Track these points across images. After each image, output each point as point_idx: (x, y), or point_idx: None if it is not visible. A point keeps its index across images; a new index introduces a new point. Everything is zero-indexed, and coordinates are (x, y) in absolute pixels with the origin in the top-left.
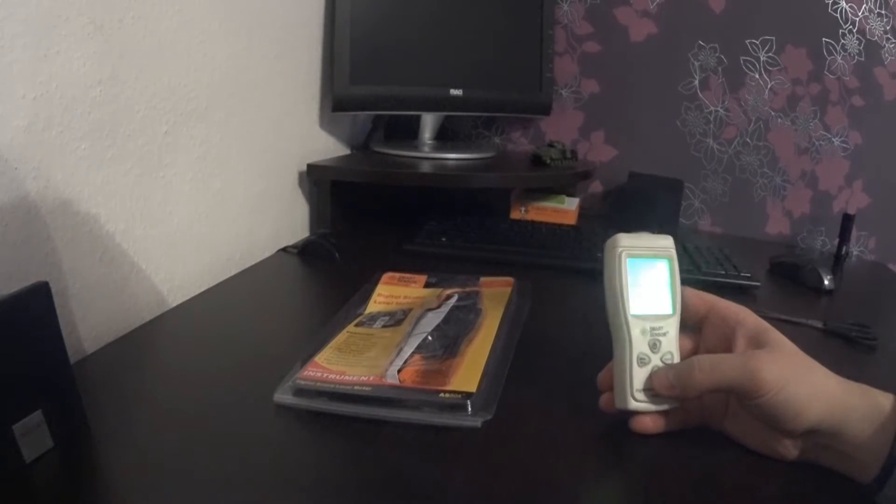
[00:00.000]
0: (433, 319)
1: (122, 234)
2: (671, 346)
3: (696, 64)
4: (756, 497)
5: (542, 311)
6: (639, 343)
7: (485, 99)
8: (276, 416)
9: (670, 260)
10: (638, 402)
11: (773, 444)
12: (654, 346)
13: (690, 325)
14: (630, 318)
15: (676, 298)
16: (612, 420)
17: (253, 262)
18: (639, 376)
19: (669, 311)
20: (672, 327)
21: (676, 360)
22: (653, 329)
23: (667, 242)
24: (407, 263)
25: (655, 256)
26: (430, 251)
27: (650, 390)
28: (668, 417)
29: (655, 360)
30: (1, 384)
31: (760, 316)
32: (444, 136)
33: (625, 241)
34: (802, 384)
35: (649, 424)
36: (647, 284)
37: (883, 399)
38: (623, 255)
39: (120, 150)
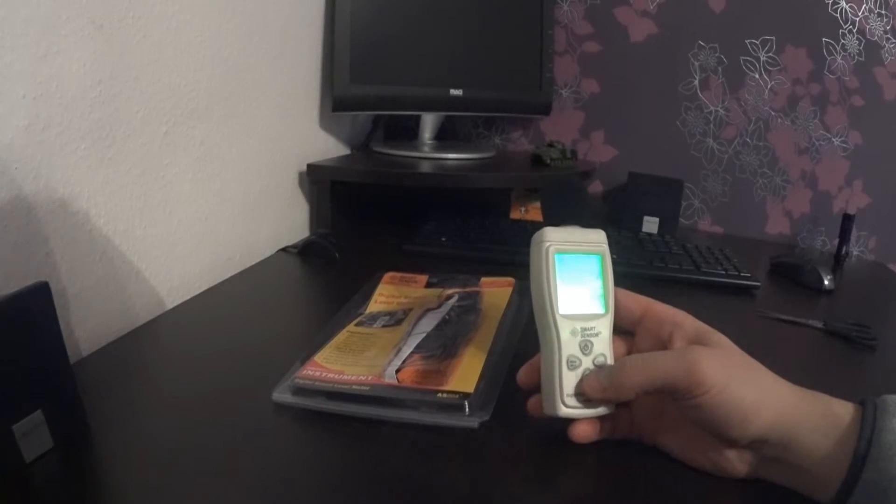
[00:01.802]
0: (432, 319)
1: (121, 235)
2: (604, 347)
3: (696, 64)
4: None
5: None
6: (569, 345)
7: (485, 99)
8: (275, 414)
9: (602, 255)
10: (569, 408)
11: (716, 458)
12: (585, 348)
13: (624, 328)
14: (559, 318)
15: (609, 297)
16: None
17: (253, 262)
18: (569, 380)
19: (601, 310)
20: (605, 328)
21: (609, 362)
22: (584, 329)
23: (598, 237)
24: (407, 263)
25: (586, 252)
26: (430, 251)
27: (581, 395)
28: (600, 424)
29: (587, 363)
30: (1, 384)
31: (760, 316)
32: (444, 136)
33: (552, 234)
34: (748, 386)
35: (589, 431)
36: (578, 282)
37: (839, 408)
38: (550, 249)
39: (120, 150)
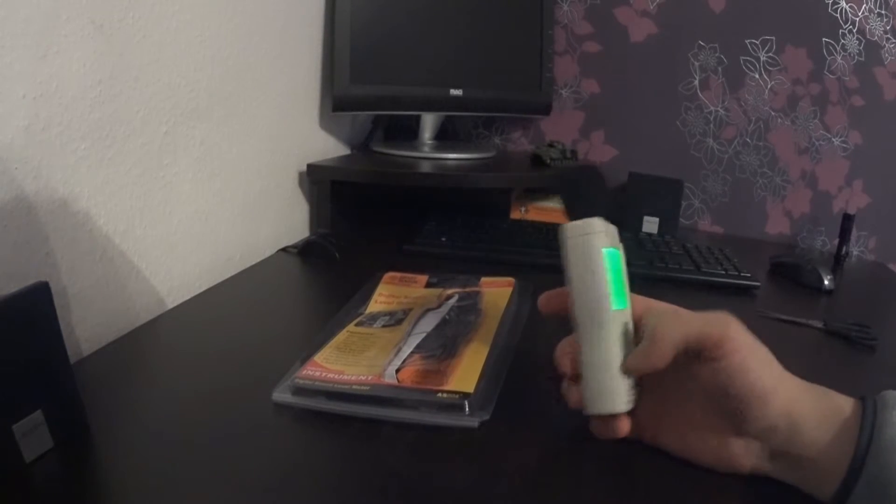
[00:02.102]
0: (432, 319)
1: (121, 234)
2: (632, 339)
3: (696, 64)
4: None
5: None
6: (621, 340)
7: (485, 99)
8: (275, 415)
9: (621, 249)
10: (627, 402)
11: (721, 451)
12: (629, 343)
13: None
14: (613, 315)
15: (628, 291)
16: None
17: (253, 262)
18: (626, 376)
19: (626, 304)
20: (630, 321)
21: None
22: (625, 324)
23: (615, 231)
24: (407, 264)
25: (614, 245)
26: (430, 251)
27: (631, 388)
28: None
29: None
30: (1, 384)
31: (760, 316)
32: (444, 136)
33: (600, 226)
34: (765, 370)
35: (629, 424)
36: (617, 277)
37: (841, 401)
38: (600, 242)
39: (120, 149)
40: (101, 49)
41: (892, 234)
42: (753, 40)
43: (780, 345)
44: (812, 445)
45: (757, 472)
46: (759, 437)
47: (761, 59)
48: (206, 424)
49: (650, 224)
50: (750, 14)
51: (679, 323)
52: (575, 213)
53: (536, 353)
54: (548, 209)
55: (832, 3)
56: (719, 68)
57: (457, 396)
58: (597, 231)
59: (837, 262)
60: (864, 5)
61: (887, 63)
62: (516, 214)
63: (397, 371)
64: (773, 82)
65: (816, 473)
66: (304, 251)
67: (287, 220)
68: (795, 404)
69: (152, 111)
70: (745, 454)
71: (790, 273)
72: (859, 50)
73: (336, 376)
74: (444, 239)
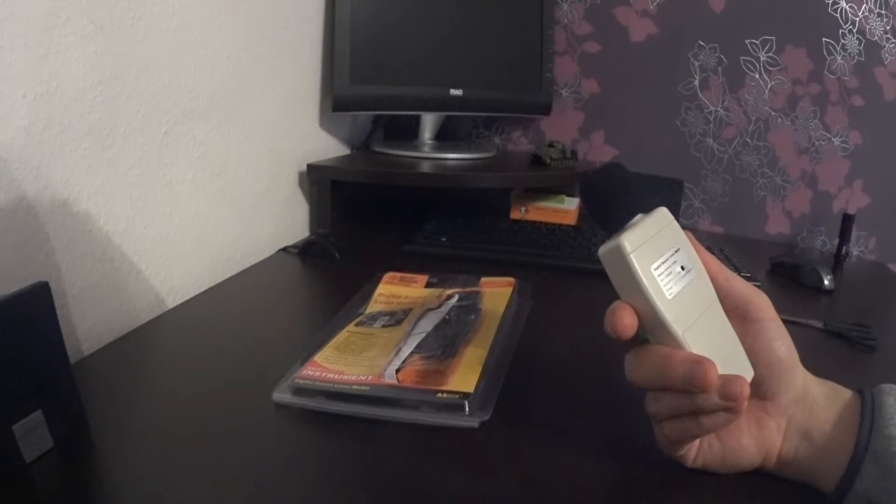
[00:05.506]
0: (433, 319)
1: (121, 235)
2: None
3: (696, 64)
4: None
5: (542, 311)
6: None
7: (485, 99)
8: (275, 415)
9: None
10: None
11: (759, 433)
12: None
13: None
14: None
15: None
16: (609, 419)
17: (253, 262)
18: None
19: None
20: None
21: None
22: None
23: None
24: (407, 263)
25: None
26: (430, 251)
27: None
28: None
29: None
30: (1, 384)
31: None
32: (444, 136)
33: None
34: (787, 346)
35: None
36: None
37: (841, 387)
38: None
39: (120, 150)
40: (101, 49)
41: (892, 234)
42: (753, 40)
43: None
44: (825, 421)
45: (783, 459)
46: (787, 410)
47: (761, 59)
48: (206, 424)
49: None
50: (750, 14)
51: (737, 277)
52: (603, 221)
53: (537, 353)
54: (547, 209)
55: (832, 3)
56: (719, 68)
57: (457, 396)
58: (628, 252)
59: (837, 262)
60: (864, 5)
61: (887, 63)
62: (516, 214)
63: (397, 371)
64: (773, 82)
65: (829, 452)
66: (304, 251)
67: (287, 220)
68: (808, 380)
69: (152, 111)
70: (777, 432)
71: (790, 273)
72: (859, 50)
73: (336, 376)
74: (444, 239)
